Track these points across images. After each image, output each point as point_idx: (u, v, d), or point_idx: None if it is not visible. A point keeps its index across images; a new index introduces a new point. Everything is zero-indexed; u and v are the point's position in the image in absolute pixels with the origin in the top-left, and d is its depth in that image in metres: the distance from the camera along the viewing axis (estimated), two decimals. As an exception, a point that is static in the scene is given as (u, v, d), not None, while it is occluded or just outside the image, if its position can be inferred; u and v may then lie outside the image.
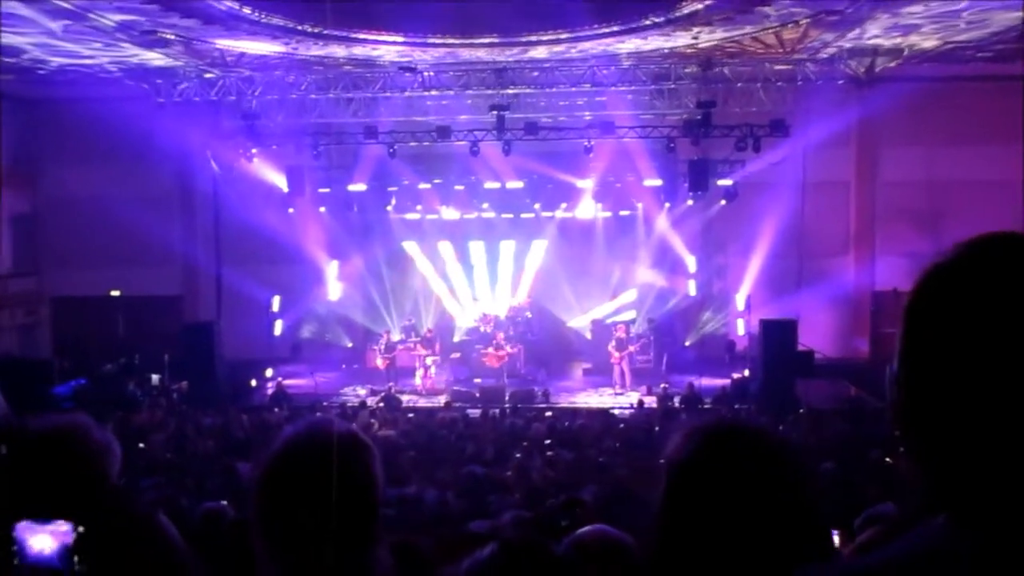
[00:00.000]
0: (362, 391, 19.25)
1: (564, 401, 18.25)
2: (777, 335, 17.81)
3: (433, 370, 19.75)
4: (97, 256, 21.18)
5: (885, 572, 0.93)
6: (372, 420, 14.20)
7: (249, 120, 18.45)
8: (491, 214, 21.80)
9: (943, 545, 0.91)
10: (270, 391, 18.59)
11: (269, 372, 19.74)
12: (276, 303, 21.13)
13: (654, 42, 16.44)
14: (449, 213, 21.90)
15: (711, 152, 19.27)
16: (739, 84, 18.39)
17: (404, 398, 18.16)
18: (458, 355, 21.00)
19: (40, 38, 15.66)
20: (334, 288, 21.95)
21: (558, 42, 16.46)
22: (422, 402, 18.21)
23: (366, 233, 22.26)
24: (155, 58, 17.59)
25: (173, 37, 15.81)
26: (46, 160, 21.90)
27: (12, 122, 20.50)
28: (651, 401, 17.06)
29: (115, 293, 21.80)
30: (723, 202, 20.14)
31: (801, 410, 14.73)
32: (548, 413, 15.58)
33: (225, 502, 4.82)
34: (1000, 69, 18.17)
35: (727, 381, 18.59)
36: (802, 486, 1.44)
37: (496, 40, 16.21)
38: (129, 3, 13.51)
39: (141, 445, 11.59)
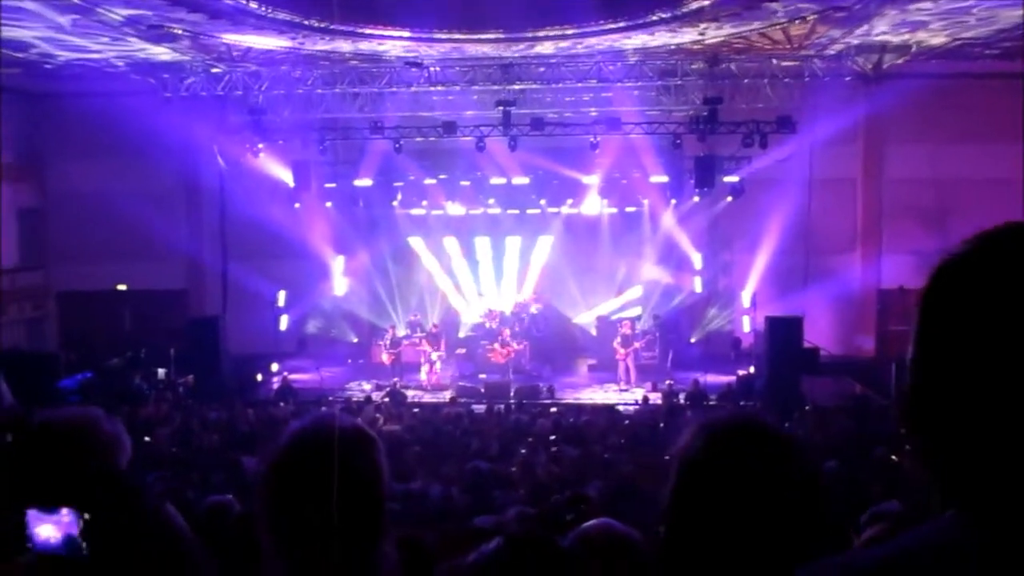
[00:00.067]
0: (367, 386, 19.28)
1: (569, 397, 18.25)
2: (783, 332, 17.78)
3: (438, 366, 19.75)
4: (103, 250, 21.23)
5: (893, 566, 0.93)
6: (377, 415, 14.22)
7: (255, 115, 18.46)
8: (497, 210, 21.80)
9: (951, 540, 0.91)
10: (275, 386, 18.62)
11: (275, 367, 19.78)
12: (282, 298, 21.17)
13: (661, 38, 16.41)
14: (455, 209, 21.90)
15: (717, 148, 19.23)
16: (746, 80, 18.34)
17: (409, 393, 18.17)
18: (463, 351, 21.01)
19: (48, 32, 15.70)
20: (340, 283, 21.98)
21: (564, 38, 16.43)
22: (427, 397, 18.22)
23: (372, 228, 22.27)
24: (162, 53, 17.61)
25: (180, 31, 15.83)
26: (53, 154, 21.95)
27: (19, 116, 20.55)
28: (656, 398, 17.05)
29: (121, 287, 21.87)
30: (729, 199, 20.12)
31: (806, 407, 14.71)
32: (553, 409, 15.61)
33: (231, 496, 4.83)
34: (1008, 66, 18.11)
35: (732, 378, 18.59)
36: (814, 483, 1.44)
37: (502, 36, 16.19)
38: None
39: (147, 439, 11.62)
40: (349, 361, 21.76)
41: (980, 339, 0.90)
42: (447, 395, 17.94)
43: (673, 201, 21.12)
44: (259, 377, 19.54)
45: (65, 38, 16.24)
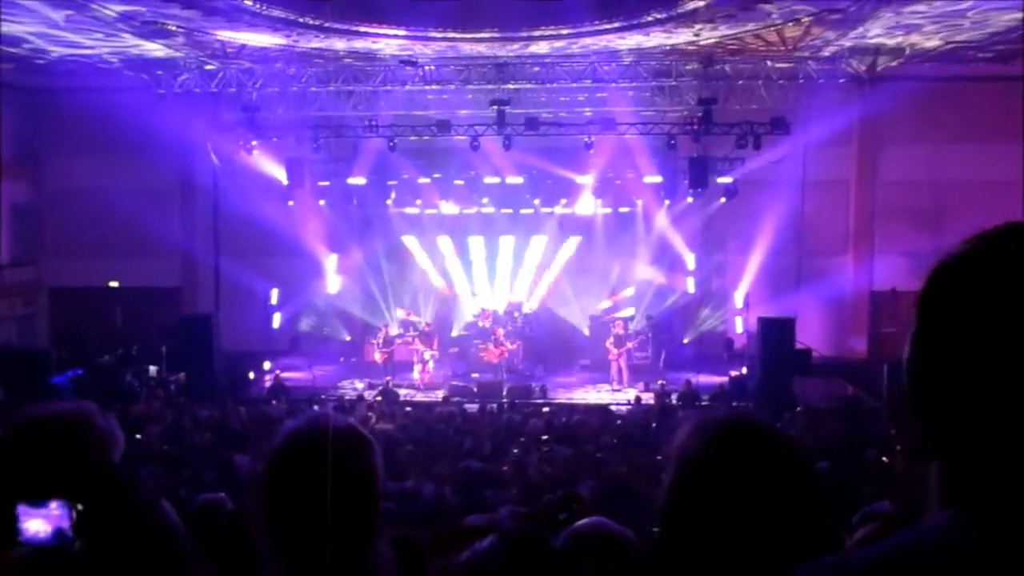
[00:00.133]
0: (360, 385, 19.28)
1: (561, 397, 18.26)
2: (775, 333, 17.81)
3: (431, 365, 19.74)
4: (96, 247, 21.17)
5: (890, 565, 0.93)
6: (370, 414, 14.20)
7: (249, 112, 18.43)
8: (491, 209, 21.77)
9: (949, 540, 0.91)
10: (268, 384, 18.59)
11: (267, 365, 19.75)
12: (275, 296, 21.14)
13: (656, 38, 16.43)
14: (448, 208, 21.88)
15: (711, 149, 19.27)
16: (740, 82, 18.38)
17: (402, 392, 18.17)
18: (456, 350, 21.00)
19: (40, 27, 15.64)
20: (333, 281, 21.95)
21: (559, 38, 16.44)
22: (420, 396, 18.21)
23: (365, 227, 22.24)
24: (156, 49, 17.57)
25: (174, 28, 15.79)
26: (47, 150, 21.89)
27: (12, 112, 20.46)
28: (648, 398, 17.07)
29: (114, 284, 21.81)
30: (723, 200, 20.15)
31: (798, 408, 14.74)
32: (545, 409, 15.60)
33: (223, 494, 4.82)
34: (1001, 69, 18.18)
35: (725, 379, 18.62)
36: (811, 482, 1.44)
37: (497, 35, 16.19)
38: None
39: (138, 436, 11.59)
40: (342, 359, 21.74)
41: (980, 339, 0.90)
42: (440, 394, 17.94)
43: (667, 201, 21.15)
44: (251, 375, 19.51)
45: (59, 34, 16.18)
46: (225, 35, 16.57)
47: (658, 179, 20.48)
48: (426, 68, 18.22)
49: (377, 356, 19.80)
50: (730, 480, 1.41)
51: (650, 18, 14.96)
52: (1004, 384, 0.88)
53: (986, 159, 19.30)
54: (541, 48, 17.33)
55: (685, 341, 22.04)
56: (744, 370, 18.96)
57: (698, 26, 15.44)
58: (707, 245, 21.99)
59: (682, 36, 16.23)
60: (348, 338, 22.30)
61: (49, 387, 15.46)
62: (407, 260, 22.55)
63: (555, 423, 13.25)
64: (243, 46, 17.35)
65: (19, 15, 14.52)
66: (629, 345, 19.49)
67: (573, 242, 22.29)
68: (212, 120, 19.52)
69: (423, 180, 21.03)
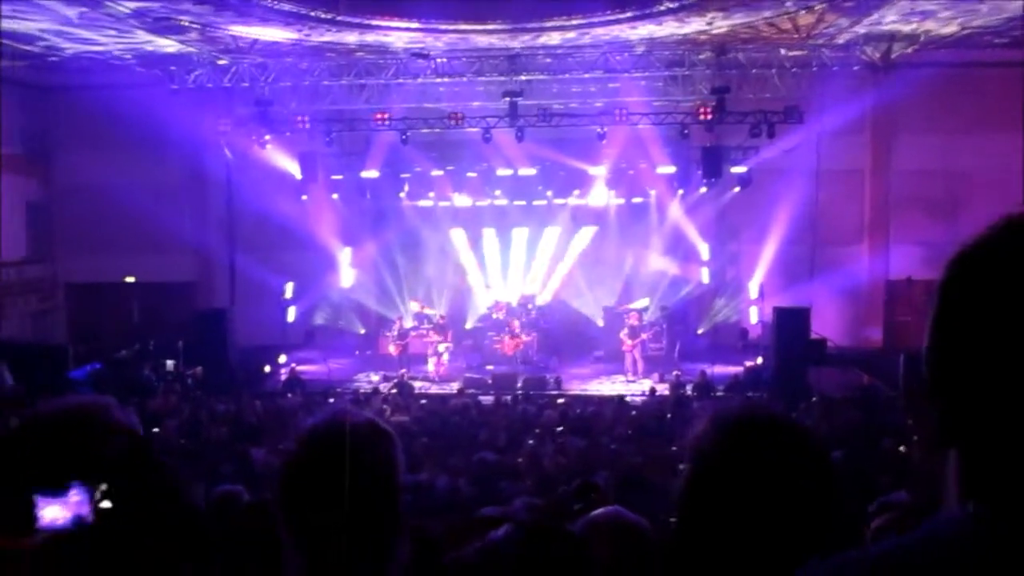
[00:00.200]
0: (375, 377, 19.32)
1: (576, 389, 18.25)
2: (790, 323, 17.75)
3: (446, 357, 19.77)
4: (111, 243, 21.28)
5: (908, 559, 0.92)
6: (385, 406, 14.24)
7: (262, 107, 18.47)
8: (504, 201, 21.78)
9: (968, 534, 0.90)
10: (283, 377, 18.67)
11: (282, 358, 19.82)
12: (289, 290, 21.21)
13: (668, 28, 16.35)
14: (462, 200, 21.89)
15: (725, 139, 19.17)
16: (754, 70, 18.29)
17: (416, 384, 18.20)
18: (470, 342, 21.02)
19: (53, 24, 15.71)
20: (347, 275, 22.01)
21: (570, 28, 16.38)
22: (434, 389, 18.25)
23: (379, 220, 22.29)
24: (168, 45, 17.62)
25: (187, 23, 15.83)
26: (60, 147, 22.01)
27: (26, 109, 20.60)
28: (663, 389, 17.04)
29: (130, 279, 21.93)
30: (737, 189, 20.07)
31: (813, 398, 14.68)
32: (560, 400, 15.60)
33: (240, 486, 4.84)
34: (1017, 55, 17.98)
35: (740, 369, 18.57)
36: (828, 473, 1.44)
37: (508, 26, 16.15)
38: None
39: (155, 430, 11.66)
40: (356, 352, 21.81)
41: (1003, 326, 0.89)
42: (454, 386, 17.96)
43: (680, 191, 21.08)
44: (267, 369, 19.59)
45: (72, 31, 16.26)
46: (237, 30, 16.61)
47: (671, 169, 20.40)
48: (438, 61, 18.21)
49: (392, 349, 19.84)
50: (746, 472, 1.41)
51: (663, 7, 14.89)
52: None
53: (1001, 147, 19.09)
54: (553, 39, 17.28)
55: (700, 332, 21.99)
56: (759, 360, 18.89)
57: (711, 14, 15.36)
58: (721, 235, 21.92)
59: (694, 25, 16.15)
60: (363, 331, 22.36)
61: (67, 382, 15.57)
62: (421, 253, 22.57)
63: (570, 414, 13.24)
64: (255, 41, 17.38)
65: (33, 13, 14.60)
66: (643, 336, 19.45)
67: (586, 233, 22.25)
68: (225, 115, 19.56)
69: (436, 173, 21.04)
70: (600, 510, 2.17)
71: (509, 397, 15.56)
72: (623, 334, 19.28)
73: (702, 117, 17.67)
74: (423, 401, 15.58)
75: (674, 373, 17.95)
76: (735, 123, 17.95)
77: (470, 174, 21.08)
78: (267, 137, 18.99)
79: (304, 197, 20.34)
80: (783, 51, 17.88)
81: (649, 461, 8.97)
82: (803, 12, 15.48)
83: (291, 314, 21.34)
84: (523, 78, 18.47)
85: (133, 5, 14.53)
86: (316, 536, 1.65)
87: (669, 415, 13.35)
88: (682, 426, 1.51)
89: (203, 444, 11.27)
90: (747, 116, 17.78)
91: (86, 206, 21.40)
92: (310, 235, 20.98)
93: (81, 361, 17.38)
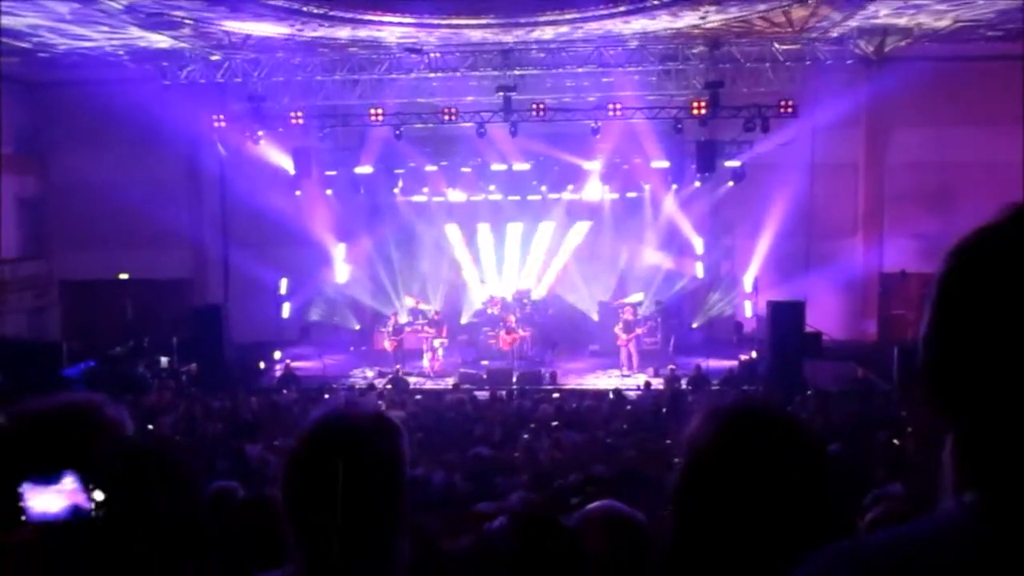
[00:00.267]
0: (370, 373, 19.32)
1: (571, 383, 18.26)
2: (785, 316, 17.78)
3: (441, 352, 19.76)
4: (105, 239, 21.24)
5: (903, 551, 0.92)
6: (380, 402, 14.21)
7: (255, 102, 18.43)
8: (498, 196, 21.76)
9: (965, 526, 0.90)
10: (278, 373, 18.66)
11: (277, 354, 19.81)
12: (284, 285, 21.19)
13: (661, 22, 16.34)
14: (456, 195, 21.87)
15: (719, 133, 19.18)
16: (747, 64, 18.27)
17: (412, 380, 18.19)
18: (465, 337, 21.03)
19: (46, 21, 15.65)
20: (342, 270, 21.99)
21: (563, 23, 16.35)
22: (429, 384, 18.24)
23: (373, 215, 22.25)
24: (160, 41, 17.56)
25: (180, 18, 15.78)
26: (54, 143, 21.94)
27: (18, 106, 20.52)
28: (658, 383, 17.06)
29: (124, 276, 21.89)
30: (731, 183, 20.08)
31: (808, 391, 14.71)
32: (556, 395, 15.61)
33: (235, 483, 4.84)
34: (1011, 48, 18.02)
35: (735, 363, 18.60)
36: (823, 468, 1.44)
37: (500, 20, 16.11)
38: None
39: (150, 427, 11.64)
40: (351, 348, 21.79)
41: (1004, 315, 0.88)
42: (450, 381, 17.96)
43: (674, 186, 21.07)
44: (262, 365, 19.58)
45: (64, 27, 16.19)
46: (230, 25, 16.56)
47: (665, 164, 20.40)
48: (431, 55, 18.18)
49: (387, 344, 19.84)
50: (741, 465, 1.41)
51: (655, 1, 14.88)
52: None
53: (996, 139, 19.13)
54: (546, 34, 17.26)
55: (694, 326, 22.02)
56: (754, 354, 18.93)
57: (704, 8, 15.34)
58: (715, 229, 21.94)
59: (688, 19, 16.14)
60: (358, 327, 22.34)
61: (61, 379, 15.54)
62: (416, 248, 22.56)
63: (565, 409, 13.25)
64: (248, 36, 17.34)
65: (25, 9, 14.53)
66: (638, 331, 19.46)
67: (581, 228, 22.26)
68: (218, 111, 19.53)
69: (430, 168, 21.02)
70: (595, 504, 2.17)
71: (504, 392, 15.56)
72: (618, 328, 19.28)
73: (696, 111, 17.67)
74: (418, 397, 15.57)
75: (669, 367, 17.97)
76: (729, 117, 17.95)
77: (464, 169, 21.05)
78: (260, 133, 18.95)
79: (298, 193, 20.31)
80: (777, 45, 17.88)
81: (645, 455, 8.97)
82: (796, 6, 15.47)
83: (286, 310, 21.33)
84: (516, 73, 18.44)
85: (126, 1, 14.47)
86: (320, 528, 1.65)
87: (664, 409, 13.36)
88: (677, 420, 1.50)
89: (198, 440, 11.25)
90: (741, 110, 17.79)
91: (80, 203, 21.36)
92: (304, 231, 20.96)
93: (75, 358, 17.35)
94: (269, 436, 10.64)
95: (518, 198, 21.82)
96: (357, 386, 17.21)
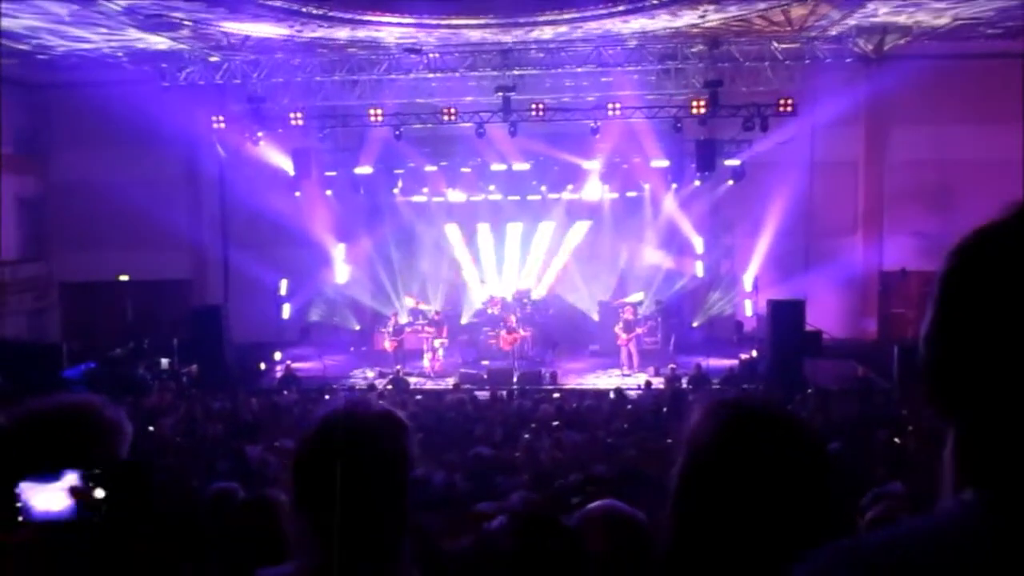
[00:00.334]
0: (370, 373, 19.32)
1: (572, 383, 18.25)
2: (785, 315, 17.78)
3: (441, 352, 19.75)
4: (105, 240, 21.25)
5: (904, 549, 0.92)
6: (380, 402, 14.20)
7: (254, 103, 18.43)
8: (498, 196, 21.76)
9: (967, 524, 0.90)
10: (279, 374, 18.65)
11: (278, 355, 19.81)
12: (284, 286, 21.19)
13: (660, 21, 16.34)
14: (456, 195, 21.87)
15: (718, 132, 19.17)
16: (746, 63, 18.27)
17: (412, 380, 18.18)
18: (466, 338, 21.02)
19: (45, 23, 15.64)
20: (341, 271, 21.99)
21: (563, 22, 16.35)
22: (430, 384, 18.23)
23: (373, 216, 22.25)
24: (159, 42, 17.56)
25: (180, 19, 15.77)
26: (53, 145, 21.95)
27: (18, 107, 20.52)
28: (659, 382, 17.06)
29: (124, 278, 21.89)
30: (730, 182, 20.08)
31: (809, 390, 14.71)
32: (556, 395, 15.60)
33: (235, 484, 4.84)
34: (1010, 46, 18.02)
35: (735, 362, 18.59)
36: (822, 466, 1.44)
37: (497, 20, 16.11)
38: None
39: (151, 428, 11.64)
40: (352, 349, 21.78)
41: (1009, 313, 0.88)
42: (450, 382, 17.95)
43: (674, 185, 21.07)
44: (262, 366, 19.58)
45: (64, 29, 16.19)
46: (229, 26, 16.55)
47: (665, 163, 20.39)
48: (430, 56, 18.18)
49: (387, 345, 19.83)
50: (741, 464, 1.41)
51: (654, 0, 14.87)
52: None
53: (995, 137, 19.14)
54: (545, 33, 17.26)
55: (695, 325, 22.01)
56: (754, 353, 18.93)
57: (703, 7, 15.34)
58: (715, 228, 21.94)
59: (687, 18, 16.14)
60: (358, 327, 22.34)
61: (61, 381, 15.54)
62: (416, 248, 22.57)
63: (566, 409, 13.25)
64: (247, 37, 17.33)
65: (25, 11, 14.53)
66: (638, 330, 19.45)
67: (581, 228, 22.25)
68: (217, 112, 19.53)
69: (430, 168, 21.02)
70: (595, 503, 2.17)
71: (505, 392, 15.56)
72: (618, 328, 19.27)
73: (695, 111, 17.68)
74: (418, 397, 15.56)
75: (669, 367, 17.95)
76: (728, 116, 17.95)
77: (464, 169, 21.06)
78: (260, 134, 18.96)
79: (297, 194, 20.32)
80: (776, 44, 17.87)
81: (645, 455, 8.97)
82: (795, 4, 15.47)
83: (286, 311, 21.34)
84: (516, 73, 18.44)
85: (124, 2, 14.47)
86: (326, 524, 1.64)
87: (665, 409, 13.36)
88: (678, 420, 1.51)
89: (198, 441, 11.25)
90: (740, 109, 17.79)
91: (80, 204, 21.36)
92: (304, 232, 20.97)
93: (76, 360, 17.35)
94: (269, 437, 10.63)
95: (518, 198, 21.82)
96: (357, 387, 17.21)
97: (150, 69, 18.95)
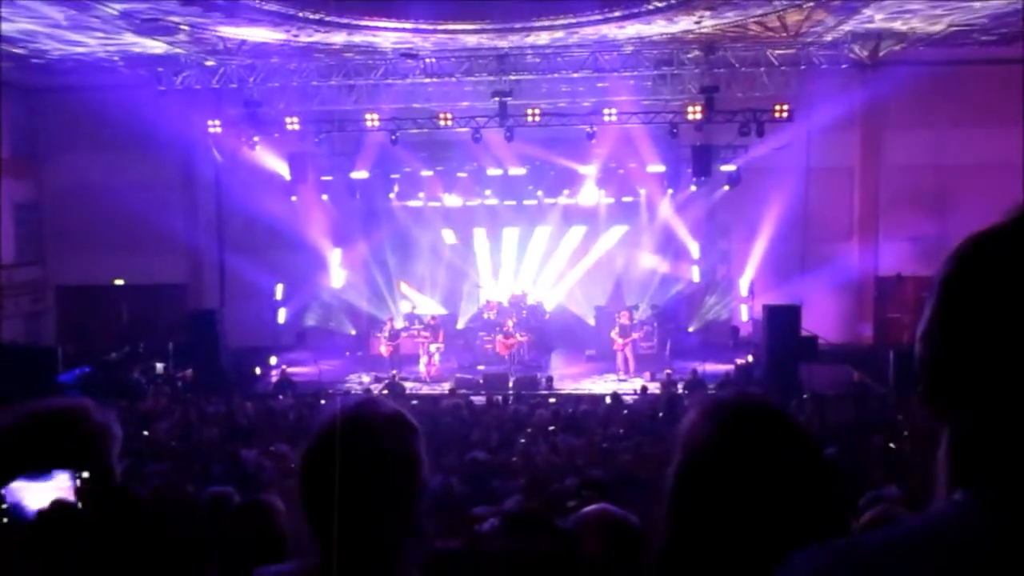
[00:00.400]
0: (366, 378, 19.30)
1: (568, 388, 18.25)
2: (781, 320, 17.80)
3: (437, 357, 19.75)
4: (101, 244, 21.21)
5: (900, 547, 0.92)
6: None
7: (250, 108, 18.42)
8: (494, 201, 21.76)
9: (963, 524, 0.90)
10: (274, 379, 18.62)
11: (273, 360, 19.78)
12: (280, 291, 21.16)
13: (656, 27, 16.37)
14: (452, 200, 21.87)
15: (714, 137, 19.22)
16: (742, 69, 18.31)
17: (408, 385, 18.19)
18: (462, 342, 21.02)
19: (41, 27, 15.63)
20: (337, 275, 21.97)
21: (559, 28, 16.38)
22: (426, 389, 18.23)
23: (369, 220, 22.24)
24: (155, 46, 17.55)
25: (176, 23, 15.77)
26: (49, 148, 21.91)
27: (14, 111, 20.50)
28: (655, 387, 17.06)
29: (119, 282, 21.86)
30: (726, 187, 20.12)
31: (805, 395, 14.73)
32: (552, 400, 15.60)
33: (231, 488, 4.83)
34: (1005, 52, 18.08)
35: (731, 367, 18.60)
36: (821, 467, 1.44)
37: (493, 26, 16.13)
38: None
39: (145, 433, 11.62)
40: (347, 353, 21.74)
41: (1010, 315, 0.89)
42: (446, 386, 17.94)
43: (670, 190, 21.10)
44: (258, 370, 19.54)
45: (60, 33, 16.18)
46: (225, 31, 16.55)
47: (661, 168, 20.43)
48: (427, 61, 18.19)
49: (383, 349, 19.82)
50: (738, 465, 1.40)
51: (651, 6, 14.90)
52: None
53: (990, 142, 19.21)
54: (541, 39, 17.28)
55: (691, 330, 22.02)
56: (750, 358, 18.94)
57: (699, 13, 15.37)
58: (711, 233, 21.96)
59: (683, 24, 16.17)
60: (354, 332, 22.32)
61: (56, 385, 15.50)
62: (412, 253, 22.54)
63: (562, 413, 13.25)
64: (243, 42, 17.33)
65: (21, 15, 14.52)
66: (635, 335, 19.47)
67: (577, 232, 22.26)
68: (214, 116, 19.52)
69: (426, 173, 21.02)
70: (589, 507, 2.17)
71: (500, 397, 15.55)
72: (614, 333, 19.29)
73: (691, 116, 17.71)
74: (414, 402, 15.53)
75: (665, 372, 17.98)
76: (724, 122, 17.99)
77: (460, 174, 21.07)
78: (256, 138, 18.96)
79: (294, 198, 20.33)
80: (771, 50, 17.92)
81: (641, 459, 8.98)
82: (791, 10, 15.50)
83: (282, 315, 21.30)
84: (512, 78, 18.45)
85: (120, 7, 14.46)
86: (332, 523, 1.64)
87: (661, 413, 13.37)
88: (674, 424, 1.50)
89: (194, 446, 11.23)
90: (736, 114, 17.83)
91: (76, 208, 21.33)
92: (300, 236, 20.94)
93: (71, 364, 17.31)
94: (265, 442, 10.62)
95: (514, 203, 21.82)
96: (353, 391, 17.18)
97: (146, 73, 18.94)
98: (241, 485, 5.68)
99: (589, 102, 19.30)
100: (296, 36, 16.72)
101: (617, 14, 15.41)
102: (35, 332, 21.65)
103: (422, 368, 19.52)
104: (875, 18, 16.20)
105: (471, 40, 17.20)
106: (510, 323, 19.77)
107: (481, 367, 19.38)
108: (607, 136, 19.06)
